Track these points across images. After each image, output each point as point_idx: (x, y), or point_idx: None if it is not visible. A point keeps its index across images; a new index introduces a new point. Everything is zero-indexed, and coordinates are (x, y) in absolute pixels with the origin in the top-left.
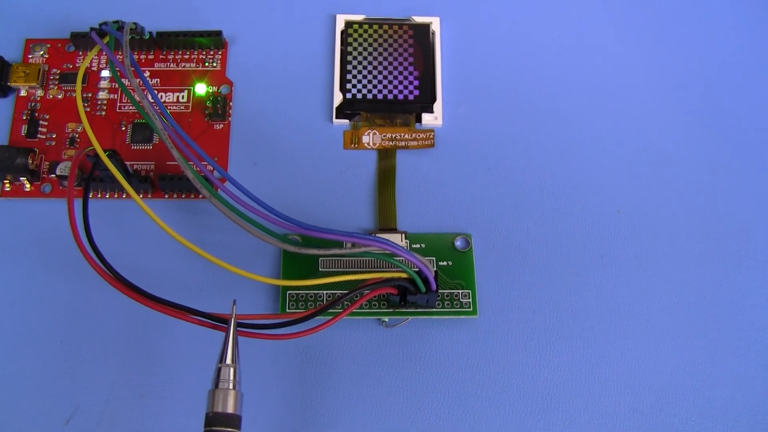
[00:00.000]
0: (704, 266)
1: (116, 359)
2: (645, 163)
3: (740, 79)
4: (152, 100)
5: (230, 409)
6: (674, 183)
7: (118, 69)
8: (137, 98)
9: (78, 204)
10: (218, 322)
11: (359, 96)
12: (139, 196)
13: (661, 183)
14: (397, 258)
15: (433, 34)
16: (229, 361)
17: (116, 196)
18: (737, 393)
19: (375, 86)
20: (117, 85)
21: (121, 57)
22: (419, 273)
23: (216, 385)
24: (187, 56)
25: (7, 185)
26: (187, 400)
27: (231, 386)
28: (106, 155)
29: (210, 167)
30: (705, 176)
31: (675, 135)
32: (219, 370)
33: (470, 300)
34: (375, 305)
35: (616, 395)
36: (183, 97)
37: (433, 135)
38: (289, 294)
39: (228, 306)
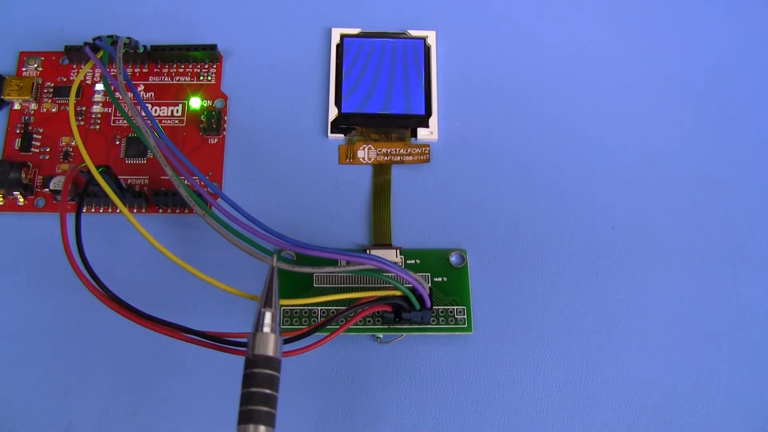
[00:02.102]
0: (700, 282)
1: (109, 376)
2: (640, 179)
3: (737, 94)
4: (145, 116)
5: (271, 352)
6: (669, 199)
7: (111, 85)
8: (130, 114)
9: (70, 219)
10: (211, 340)
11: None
12: (133, 210)
13: (656, 199)
14: (392, 275)
15: (429, 48)
16: (270, 305)
17: (110, 210)
18: (733, 410)
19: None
20: (111, 99)
21: (114, 72)
22: (413, 290)
23: (257, 328)
24: (181, 70)
25: (0, 199)
26: (181, 417)
27: (270, 330)
28: (100, 171)
29: (203, 184)
30: (700, 192)
31: (670, 151)
32: (261, 314)
33: (465, 316)
34: (370, 322)
35: (611, 412)
36: (177, 111)
37: (429, 150)
38: (284, 310)
39: (222, 323)
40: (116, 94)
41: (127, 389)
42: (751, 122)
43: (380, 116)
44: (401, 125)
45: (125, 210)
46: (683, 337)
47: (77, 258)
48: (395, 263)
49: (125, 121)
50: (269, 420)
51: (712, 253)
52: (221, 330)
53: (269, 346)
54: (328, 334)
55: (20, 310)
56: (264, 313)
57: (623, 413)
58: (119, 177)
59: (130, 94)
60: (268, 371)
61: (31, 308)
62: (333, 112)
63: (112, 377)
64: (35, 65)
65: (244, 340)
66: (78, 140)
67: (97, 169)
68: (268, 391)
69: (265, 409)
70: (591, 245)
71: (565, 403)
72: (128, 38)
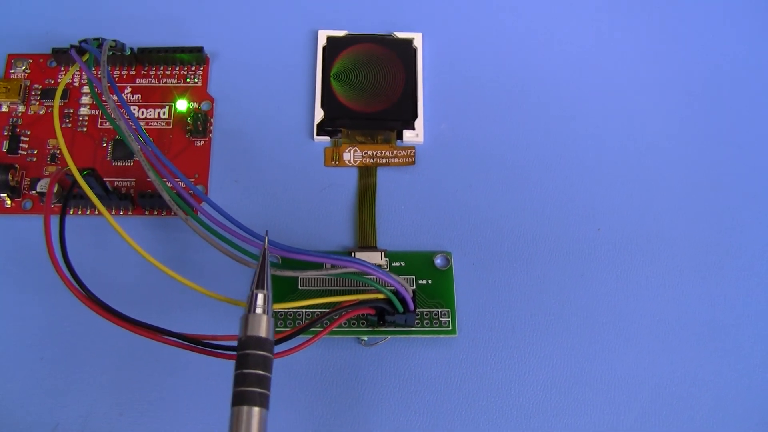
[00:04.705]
0: (685, 285)
1: (96, 377)
2: (626, 182)
3: (727, 97)
4: (129, 119)
5: (263, 333)
6: (656, 201)
7: (96, 87)
8: (114, 117)
9: (55, 221)
10: (192, 343)
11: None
12: (119, 213)
13: (643, 201)
14: (374, 278)
15: (415, 50)
16: (263, 287)
17: (97, 213)
18: (718, 412)
19: (357, 103)
20: (96, 102)
21: (99, 75)
22: (396, 293)
23: (250, 309)
24: (168, 72)
25: None
26: (167, 419)
27: (263, 311)
28: (85, 174)
29: (188, 187)
30: (686, 195)
31: (657, 153)
32: (254, 295)
33: (449, 319)
34: (354, 324)
35: (595, 414)
36: (164, 114)
37: (414, 152)
38: None
39: (208, 325)
40: (102, 97)
41: (113, 390)
42: (739, 125)
43: (366, 118)
44: (387, 127)
45: (107, 213)
46: (669, 339)
47: (60, 260)
48: (379, 266)
49: None
50: (263, 401)
51: (698, 255)
52: (207, 331)
53: (262, 327)
54: (312, 336)
55: (7, 311)
56: (256, 295)
57: (608, 415)
58: (106, 179)
59: (114, 97)
60: (261, 352)
61: (17, 309)
62: (319, 115)
63: (99, 378)
64: (23, 67)
65: (224, 342)
66: (61, 143)
67: (83, 172)
68: (261, 372)
69: (258, 390)
70: (577, 247)
71: (551, 405)
72: (114, 41)
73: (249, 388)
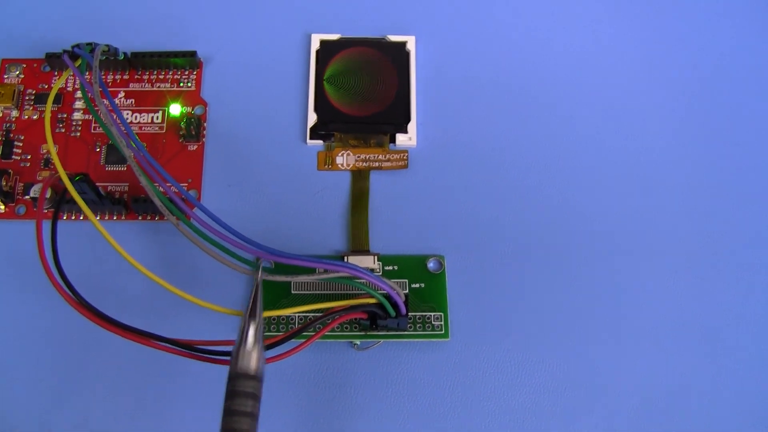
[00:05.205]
0: (681, 286)
1: (91, 381)
2: (621, 185)
3: (723, 100)
4: (120, 123)
5: (252, 371)
6: (650, 205)
7: (88, 92)
8: (106, 122)
9: (47, 226)
10: (184, 348)
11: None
12: (112, 218)
13: (637, 205)
14: (366, 282)
15: (408, 53)
16: (254, 317)
17: None
18: (713, 416)
19: (350, 106)
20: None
21: (90, 80)
22: (388, 297)
23: (241, 343)
24: (161, 76)
25: None
26: (160, 424)
27: (254, 342)
28: (77, 179)
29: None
30: (685, 196)
31: (651, 155)
32: (245, 328)
33: (442, 323)
34: (347, 328)
35: (590, 418)
36: (157, 118)
37: (407, 156)
38: None
39: (203, 330)
40: (94, 102)
41: (108, 395)
42: (738, 126)
43: (359, 122)
44: (380, 131)
45: (95, 220)
46: (665, 341)
47: (52, 265)
48: (371, 270)
49: None
50: None
51: (695, 257)
52: (202, 335)
53: (252, 364)
54: (304, 340)
55: (1, 316)
56: (248, 327)
57: (603, 419)
58: (100, 184)
59: (106, 101)
60: (250, 390)
61: (12, 314)
62: (312, 118)
63: (94, 383)
64: (17, 72)
65: (216, 347)
66: (51, 148)
67: (75, 177)
68: (249, 409)
69: (246, 428)
70: (570, 251)
71: (544, 409)
72: (107, 46)
73: (236, 426)
